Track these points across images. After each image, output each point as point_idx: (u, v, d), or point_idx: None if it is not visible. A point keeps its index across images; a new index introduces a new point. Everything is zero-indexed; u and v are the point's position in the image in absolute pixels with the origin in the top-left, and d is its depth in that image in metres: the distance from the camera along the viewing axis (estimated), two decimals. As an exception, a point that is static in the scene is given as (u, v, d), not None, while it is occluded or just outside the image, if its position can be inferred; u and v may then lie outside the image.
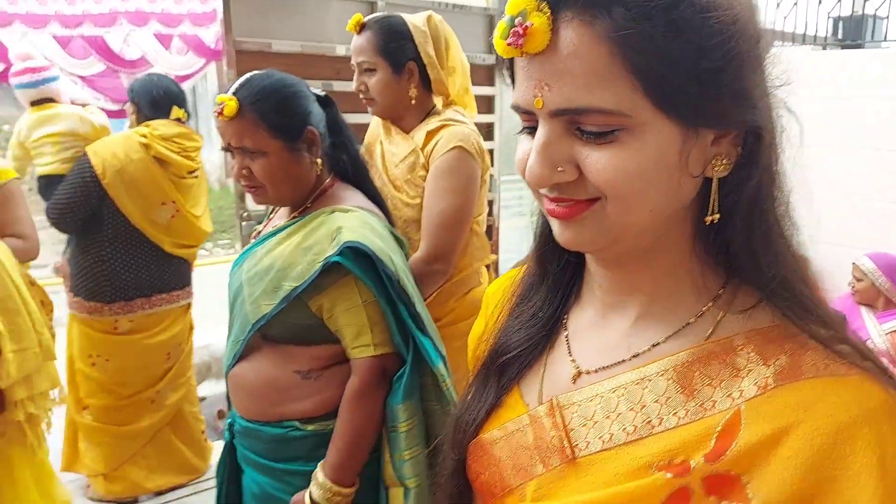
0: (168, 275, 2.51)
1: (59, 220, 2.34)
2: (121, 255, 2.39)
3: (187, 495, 2.62)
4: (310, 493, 1.16)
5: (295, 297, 1.16)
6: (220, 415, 3.18)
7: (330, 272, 1.15)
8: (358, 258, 1.15)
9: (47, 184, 2.44)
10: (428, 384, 1.23)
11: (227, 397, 1.34)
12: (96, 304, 2.38)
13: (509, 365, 0.64)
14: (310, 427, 1.22)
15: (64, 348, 2.44)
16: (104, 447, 2.48)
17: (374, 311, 1.18)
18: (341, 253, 1.13)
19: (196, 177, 2.55)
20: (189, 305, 2.64)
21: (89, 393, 2.45)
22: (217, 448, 2.83)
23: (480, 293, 1.71)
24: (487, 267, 1.85)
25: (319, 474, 1.17)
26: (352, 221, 1.19)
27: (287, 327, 1.21)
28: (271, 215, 1.44)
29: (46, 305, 2.09)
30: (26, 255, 2.04)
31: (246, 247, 1.33)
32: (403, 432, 1.19)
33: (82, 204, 2.30)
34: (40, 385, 2.02)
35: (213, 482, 2.66)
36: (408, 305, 1.20)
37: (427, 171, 1.61)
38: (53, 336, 2.09)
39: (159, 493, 2.59)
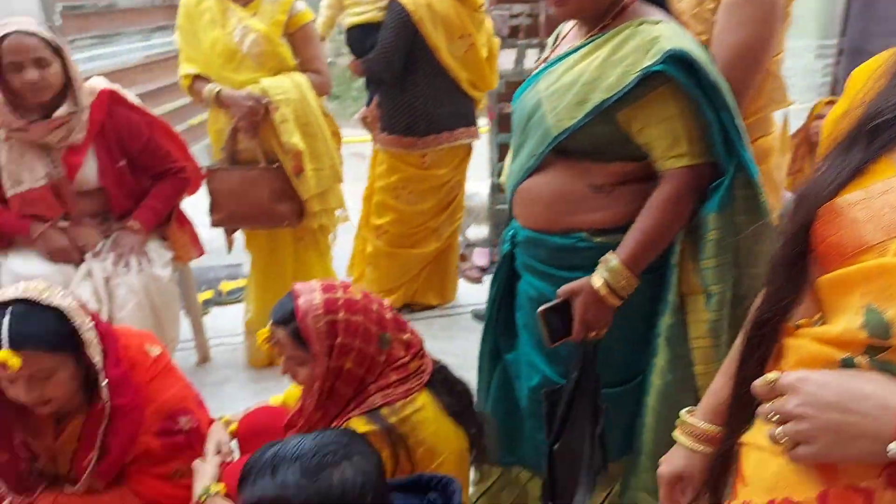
0: (464, 111, 2.77)
1: (385, 63, 2.62)
2: (431, 92, 2.66)
3: (436, 317, 3.04)
4: (600, 275, 1.23)
5: (603, 109, 1.18)
6: (463, 258, 3.50)
7: (645, 83, 1.15)
8: (679, 66, 1.12)
9: (360, 34, 2.76)
10: (740, 196, 1.21)
11: (509, 211, 1.46)
12: (411, 139, 2.69)
13: (882, 129, 0.60)
14: (597, 239, 1.28)
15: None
16: (389, 268, 2.92)
17: (691, 120, 1.17)
18: (664, 61, 1.12)
19: (484, 12, 2.69)
20: (471, 147, 2.87)
21: (389, 221, 2.83)
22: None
23: (770, 142, 1.59)
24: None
25: (613, 259, 1.22)
26: (666, 31, 1.16)
27: (588, 141, 1.24)
28: (556, 43, 1.46)
29: (335, 136, 2.41)
30: (322, 88, 2.34)
31: (537, 69, 1.37)
32: (712, 240, 1.20)
33: (403, 44, 2.56)
34: (330, 202, 2.39)
35: (456, 310, 3.05)
36: (732, 115, 1.16)
37: (717, 2, 1.48)
38: (341, 163, 2.42)
39: (414, 311, 3.03)
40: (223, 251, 2.53)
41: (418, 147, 2.69)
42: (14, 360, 1.22)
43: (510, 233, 1.48)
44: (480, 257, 3.65)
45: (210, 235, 2.52)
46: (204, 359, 2.69)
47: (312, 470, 0.87)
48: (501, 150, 3.41)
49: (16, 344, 1.23)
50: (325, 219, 2.39)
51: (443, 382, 1.44)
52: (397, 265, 2.90)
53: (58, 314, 1.30)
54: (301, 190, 2.25)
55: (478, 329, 2.99)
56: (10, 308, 1.26)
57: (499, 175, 3.59)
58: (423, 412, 1.34)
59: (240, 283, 3.28)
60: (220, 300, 3.18)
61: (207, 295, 3.15)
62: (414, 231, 2.85)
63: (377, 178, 2.84)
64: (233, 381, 2.59)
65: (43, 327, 1.27)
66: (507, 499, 1.79)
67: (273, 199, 2.22)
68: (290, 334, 1.28)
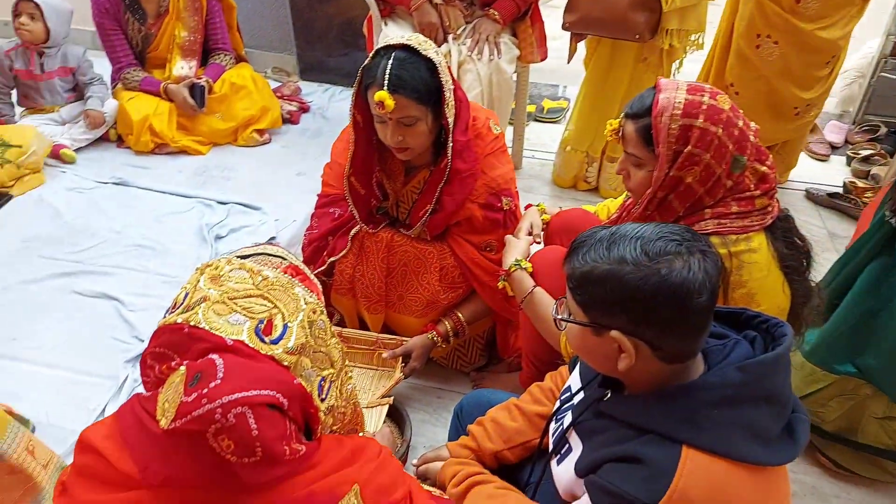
0: None
1: None
2: None
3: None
4: None
5: None
6: (812, 129, 2.99)
7: None
8: None
9: None
10: None
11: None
12: None
13: None
14: None
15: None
16: None
17: None
18: None
19: None
20: None
21: (739, 77, 2.33)
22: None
23: None
24: None
25: None
26: None
27: None
28: None
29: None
30: None
31: None
32: None
33: None
34: (688, 23, 2.14)
35: (787, 185, 2.68)
36: None
37: None
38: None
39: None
40: (554, 69, 2.46)
41: None
42: (390, 101, 1.37)
43: None
44: (834, 132, 3.07)
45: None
46: (516, 165, 2.81)
47: (654, 252, 0.81)
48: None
49: (393, 87, 1.37)
50: (676, 40, 2.16)
51: (784, 232, 1.27)
52: None
53: (431, 67, 1.41)
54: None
55: (807, 211, 2.61)
56: (394, 53, 1.40)
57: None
58: (756, 255, 1.21)
59: (560, 103, 3.27)
60: (540, 117, 3.23)
61: (530, 109, 3.22)
62: (769, 101, 2.32)
63: (740, 20, 2.30)
64: (536, 192, 2.69)
65: (418, 76, 1.39)
66: (834, 410, 1.57)
67: (632, 5, 2.05)
68: (638, 129, 1.21)
